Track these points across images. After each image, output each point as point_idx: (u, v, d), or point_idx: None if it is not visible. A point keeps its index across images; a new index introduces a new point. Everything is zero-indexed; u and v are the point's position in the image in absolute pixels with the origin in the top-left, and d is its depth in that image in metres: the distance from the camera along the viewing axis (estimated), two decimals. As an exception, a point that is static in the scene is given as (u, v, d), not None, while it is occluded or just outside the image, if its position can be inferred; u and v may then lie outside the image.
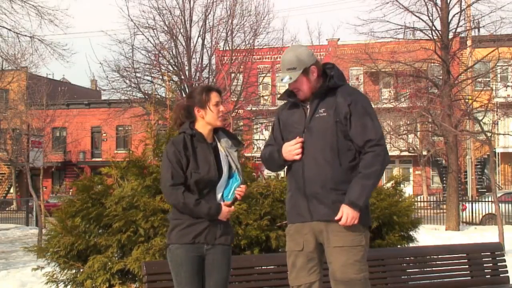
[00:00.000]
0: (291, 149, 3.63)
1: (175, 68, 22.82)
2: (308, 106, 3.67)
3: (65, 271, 5.82)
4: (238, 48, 22.86)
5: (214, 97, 3.78)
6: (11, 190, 42.21)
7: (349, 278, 3.52)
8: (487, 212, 21.26)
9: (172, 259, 3.75)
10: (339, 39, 37.54)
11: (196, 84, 22.07)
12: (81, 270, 5.66)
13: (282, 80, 3.62)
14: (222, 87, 20.23)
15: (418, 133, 28.88)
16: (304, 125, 3.63)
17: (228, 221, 3.84)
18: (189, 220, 3.71)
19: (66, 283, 5.85)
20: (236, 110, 22.66)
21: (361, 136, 3.57)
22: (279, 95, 3.96)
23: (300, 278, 3.65)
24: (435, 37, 18.74)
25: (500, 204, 13.30)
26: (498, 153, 33.15)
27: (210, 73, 23.55)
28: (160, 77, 23.36)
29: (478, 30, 20.66)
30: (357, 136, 3.57)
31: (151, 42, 23.07)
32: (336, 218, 3.51)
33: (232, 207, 3.76)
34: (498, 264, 5.66)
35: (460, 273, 5.58)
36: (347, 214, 3.49)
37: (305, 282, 3.63)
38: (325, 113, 3.60)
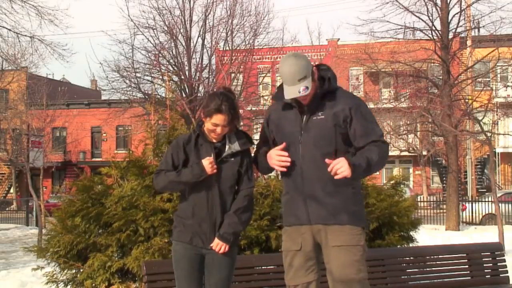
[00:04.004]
0: (279, 159, 3.57)
1: (175, 68, 22.81)
2: (304, 108, 3.60)
3: (65, 271, 5.83)
4: (238, 48, 22.85)
5: (215, 119, 3.66)
6: (11, 190, 42.21)
7: (348, 279, 3.48)
8: (487, 212, 21.25)
9: (172, 254, 3.81)
10: (339, 39, 37.55)
11: (196, 85, 22.09)
12: (81, 270, 5.66)
13: (299, 92, 3.45)
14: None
15: (418, 133, 28.87)
16: (301, 127, 3.58)
17: None
18: (190, 220, 3.72)
19: (66, 283, 5.86)
20: (236, 110, 22.64)
21: (365, 138, 3.52)
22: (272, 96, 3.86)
23: (297, 278, 3.61)
24: (435, 37, 18.74)
25: (500, 204, 13.28)
26: (498, 153, 33.15)
27: (210, 73, 23.54)
28: (160, 77, 23.35)
29: (478, 30, 20.64)
30: (360, 138, 3.53)
31: (151, 42, 23.07)
32: (330, 166, 3.40)
33: (212, 157, 3.67)
34: (498, 264, 5.66)
35: (460, 273, 5.57)
36: (339, 162, 3.38)
37: (303, 282, 3.59)
38: (323, 115, 3.55)
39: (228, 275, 3.76)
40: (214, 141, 3.76)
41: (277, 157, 3.60)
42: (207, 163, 3.65)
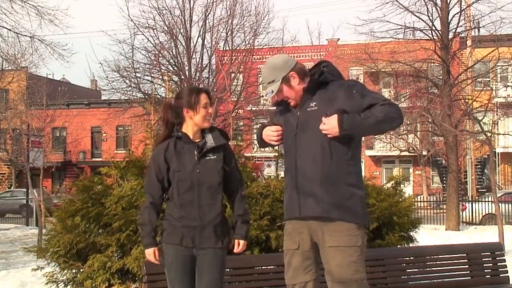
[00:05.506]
0: (270, 134, 3.75)
1: (175, 68, 22.82)
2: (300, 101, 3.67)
3: (65, 271, 5.83)
4: (238, 48, 22.87)
5: (203, 98, 3.78)
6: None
7: (345, 279, 3.48)
8: (487, 212, 21.23)
9: (163, 257, 3.79)
10: (339, 39, 37.58)
11: (196, 85, 22.10)
12: (81, 270, 5.66)
13: (265, 95, 3.70)
14: (222, 87, 20.27)
15: (418, 133, 28.86)
16: (297, 120, 3.62)
17: (225, 223, 3.82)
18: (178, 222, 3.72)
19: (66, 283, 5.86)
20: (236, 110, 22.68)
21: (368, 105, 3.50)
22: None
23: (295, 277, 3.63)
24: (435, 37, 18.73)
25: (500, 204, 13.27)
26: (498, 153, 33.15)
27: (210, 73, 23.56)
28: (160, 77, 23.36)
29: (478, 30, 20.63)
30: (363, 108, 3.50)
31: (151, 42, 23.09)
32: (322, 124, 3.48)
33: (156, 259, 3.75)
34: (498, 264, 5.65)
35: (460, 273, 5.57)
36: (329, 122, 3.45)
37: (300, 281, 3.61)
38: (316, 107, 3.57)
39: (220, 275, 3.75)
40: (197, 140, 3.79)
41: (267, 132, 3.77)
42: (149, 254, 3.73)
